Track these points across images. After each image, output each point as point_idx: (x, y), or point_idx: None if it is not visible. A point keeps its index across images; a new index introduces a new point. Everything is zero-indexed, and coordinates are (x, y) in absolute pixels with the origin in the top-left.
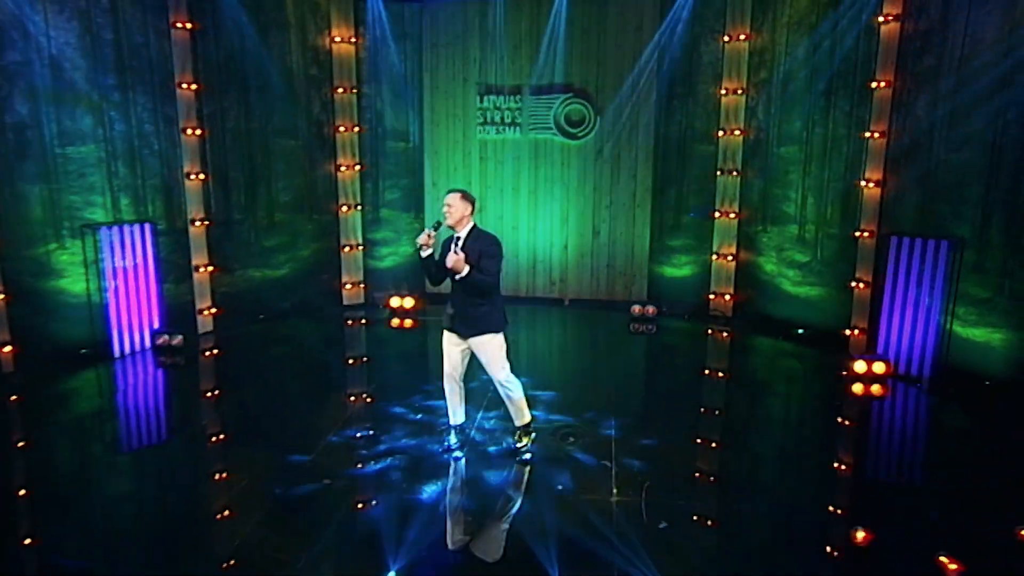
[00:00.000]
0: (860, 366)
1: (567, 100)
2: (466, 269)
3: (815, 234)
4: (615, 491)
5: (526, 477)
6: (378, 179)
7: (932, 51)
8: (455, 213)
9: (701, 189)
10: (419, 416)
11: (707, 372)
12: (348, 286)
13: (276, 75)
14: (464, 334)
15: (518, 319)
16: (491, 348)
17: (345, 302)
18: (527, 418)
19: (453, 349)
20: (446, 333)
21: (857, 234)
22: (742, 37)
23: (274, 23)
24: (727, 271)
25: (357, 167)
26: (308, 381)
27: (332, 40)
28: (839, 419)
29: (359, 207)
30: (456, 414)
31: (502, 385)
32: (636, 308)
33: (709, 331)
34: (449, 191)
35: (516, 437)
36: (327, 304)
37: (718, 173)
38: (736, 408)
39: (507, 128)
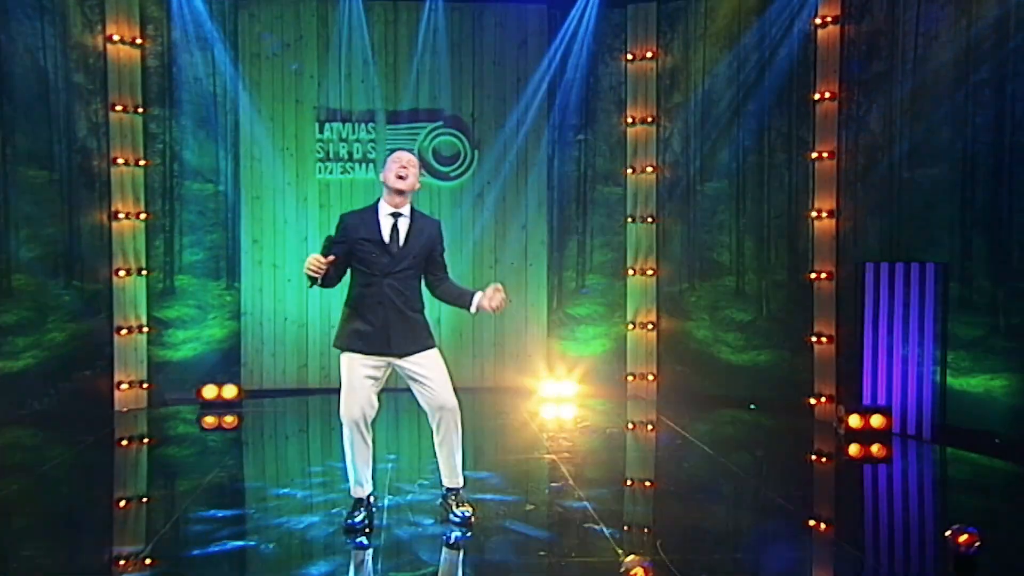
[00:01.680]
0: (854, 420)
1: (435, 131)
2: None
3: (758, 285)
4: (620, 551)
5: (488, 550)
6: (173, 233)
7: (880, 55)
8: (412, 181)
9: (608, 242)
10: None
11: (650, 477)
12: (124, 386)
13: (21, 76)
14: (404, 351)
15: (378, 417)
16: (441, 363)
17: (119, 407)
18: (461, 477)
19: (368, 381)
20: (358, 360)
21: (812, 276)
22: (648, 55)
23: (20, 2)
24: (647, 344)
25: (142, 216)
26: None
27: (108, 39)
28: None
29: (143, 272)
30: (363, 480)
31: (453, 415)
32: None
33: (630, 425)
34: (398, 150)
35: (452, 503)
36: (90, 412)
37: (628, 220)
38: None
39: (357, 166)
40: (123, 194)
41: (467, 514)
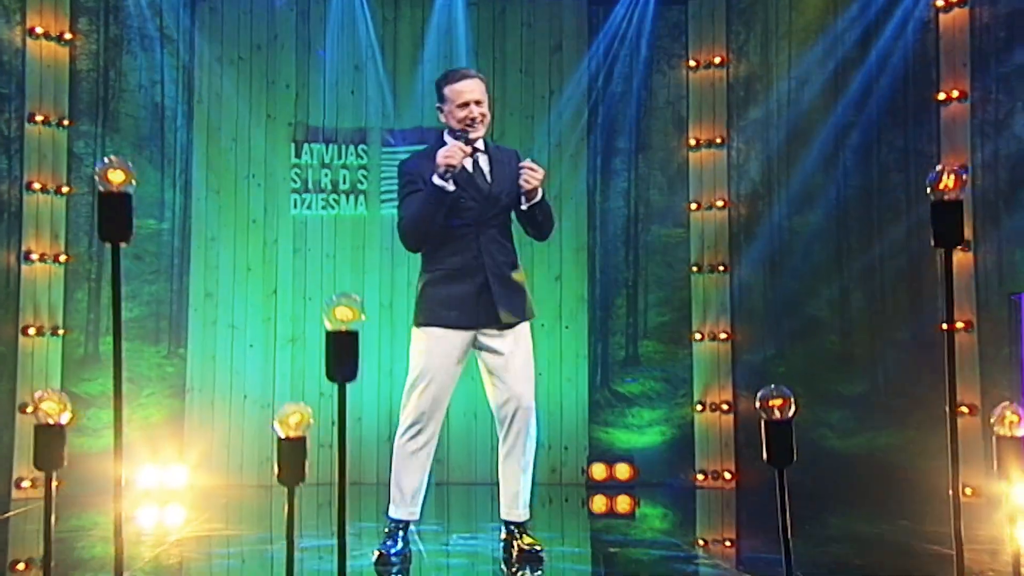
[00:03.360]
0: None
1: None
2: (539, 193)
3: (870, 346)
4: None
5: None
6: (100, 283)
7: (1021, 41)
8: (485, 117)
9: (667, 298)
10: None
11: None
12: (26, 483)
13: None
14: (510, 320)
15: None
16: (530, 344)
17: (15, 509)
18: (527, 510)
19: (453, 366)
20: (446, 338)
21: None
22: (716, 61)
23: None
24: (721, 431)
25: (61, 258)
26: None
27: (29, 32)
28: None
29: (59, 332)
30: (414, 498)
31: (527, 416)
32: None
33: (700, 543)
34: (464, 75)
35: (515, 534)
36: None
37: (693, 269)
38: None
39: (343, 199)
40: (38, 229)
41: (536, 549)
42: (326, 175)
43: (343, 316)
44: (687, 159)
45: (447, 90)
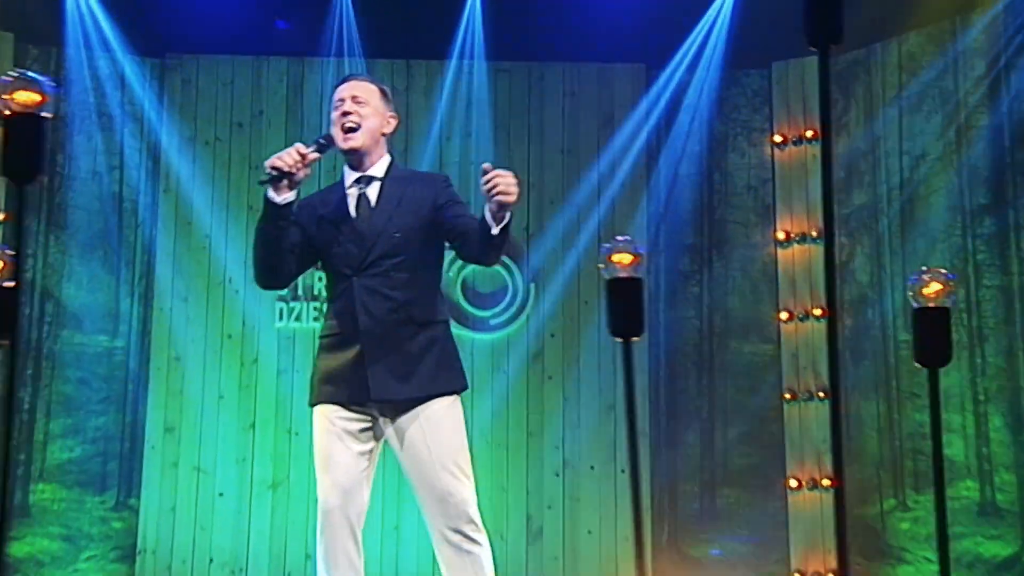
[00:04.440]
0: None
1: None
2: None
3: (1018, 492)
4: None
5: None
6: (35, 414)
7: None
8: (369, 122)
9: (753, 433)
10: None
11: None
12: None
13: None
14: (388, 396)
15: None
16: (449, 428)
17: None
18: None
19: (351, 447)
20: (333, 415)
21: None
22: (808, 135)
23: None
24: None
25: None
26: None
27: None
28: None
29: None
30: None
31: (463, 537)
32: None
33: None
34: (350, 77)
35: None
36: None
37: (786, 397)
38: None
39: None
40: None
41: None
42: (320, 279)
43: (620, 260)
44: (775, 257)
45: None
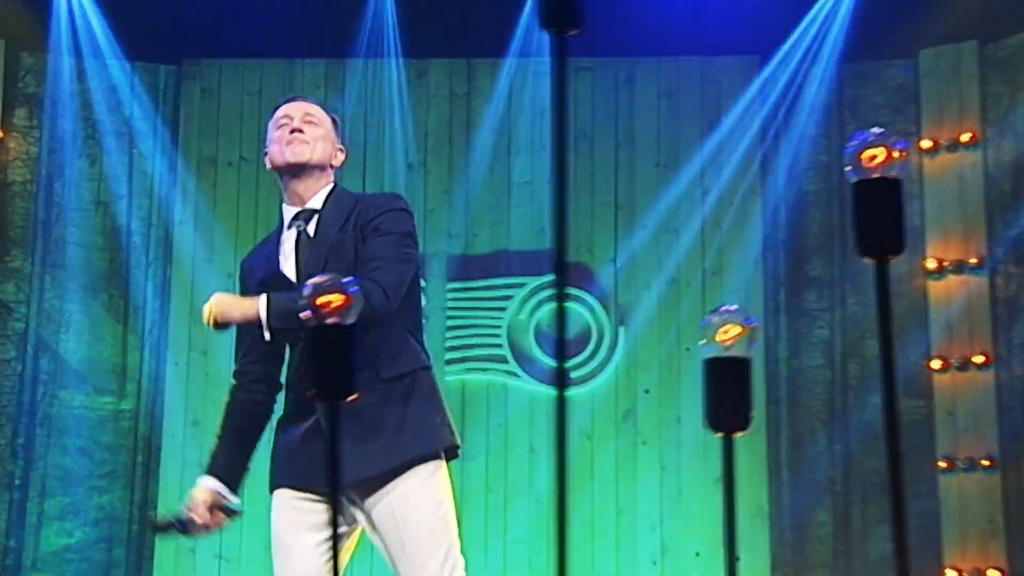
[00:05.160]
0: None
1: (539, 293)
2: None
3: None
4: None
5: None
6: (28, 492)
7: None
8: (321, 144)
9: (911, 508)
10: None
11: None
12: None
13: None
14: (356, 479)
15: None
16: (428, 510)
17: None
18: None
19: (309, 537)
20: (286, 501)
21: None
22: (965, 139)
23: None
24: None
25: None
26: None
27: None
28: None
29: None
30: None
31: None
32: None
33: None
34: (296, 98)
35: None
36: None
37: (942, 466)
38: None
39: None
40: None
41: None
42: None
43: (726, 337)
44: (925, 291)
45: (269, 124)
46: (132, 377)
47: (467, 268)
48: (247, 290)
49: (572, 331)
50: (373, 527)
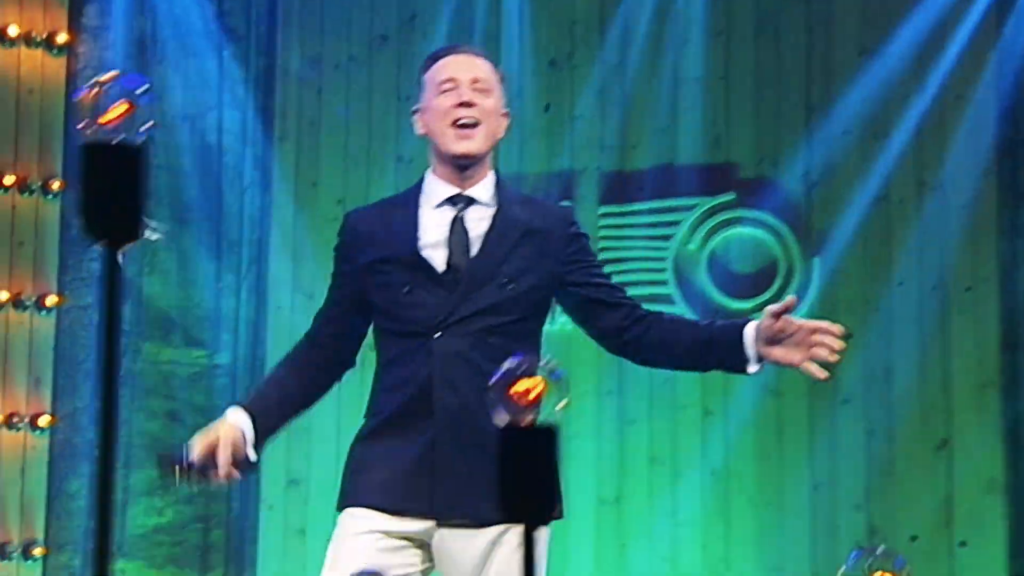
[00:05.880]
0: None
1: (717, 215)
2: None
3: None
4: None
5: None
6: (112, 462)
7: None
8: (490, 121)
9: None
10: None
11: None
12: None
13: None
14: (457, 514)
15: None
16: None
17: None
18: None
19: (387, 571)
20: (363, 522)
21: None
22: None
23: None
24: None
25: (42, 422)
26: None
27: None
28: None
29: (34, 551)
30: None
31: None
32: None
33: None
34: (460, 49)
35: None
36: None
37: None
38: None
39: None
40: (4, 372)
41: None
42: None
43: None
44: None
45: (425, 78)
46: (227, 325)
47: (624, 187)
48: (356, 258)
49: (753, 264)
50: (451, 564)
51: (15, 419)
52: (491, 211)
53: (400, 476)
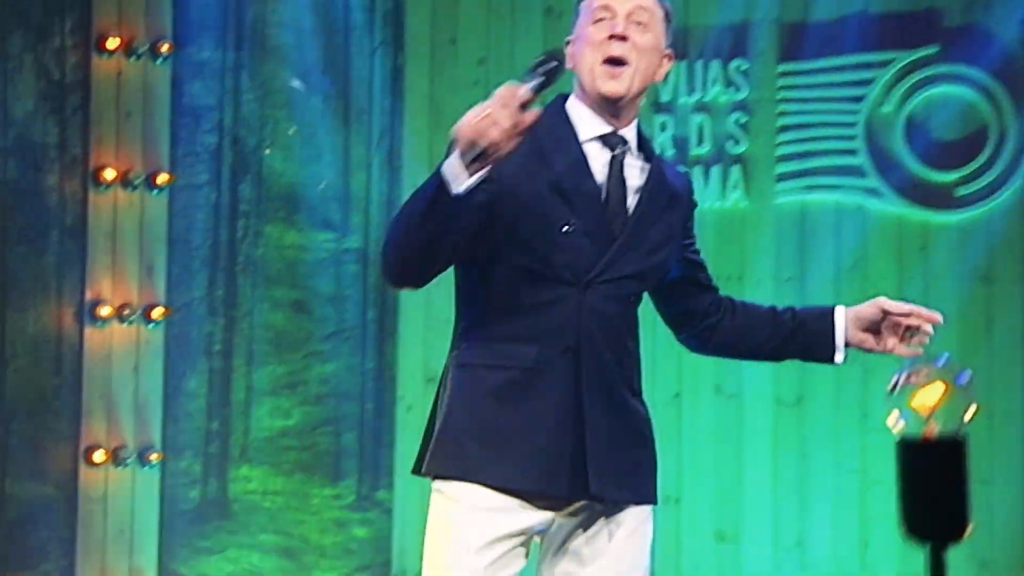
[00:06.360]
0: None
1: (913, 72)
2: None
3: None
4: None
5: None
6: (231, 361)
7: None
8: (645, 59)
9: None
10: None
11: None
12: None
13: None
14: (613, 492)
15: None
16: (646, 554)
17: None
18: None
19: (512, 563)
20: (496, 506)
21: None
22: None
23: None
24: None
25: (156, 314)
26: None
27: None
28: None
29: (151, 457)
30: None
31: None
32: None
33: None
34: None
35: None
36: None
37: None
38: None
39: (698, 173)
40: (114, 258)
41: None
42: (663, 126)
43: (923, 405)
44: None
45: (582, 5)
46: (358, 205)
47: (806, 41)
48: (500, 185)
49: (959, 129)
50: (573, 552)
51: (126, 311)
52: (642, 162)
53: (538, 450)
